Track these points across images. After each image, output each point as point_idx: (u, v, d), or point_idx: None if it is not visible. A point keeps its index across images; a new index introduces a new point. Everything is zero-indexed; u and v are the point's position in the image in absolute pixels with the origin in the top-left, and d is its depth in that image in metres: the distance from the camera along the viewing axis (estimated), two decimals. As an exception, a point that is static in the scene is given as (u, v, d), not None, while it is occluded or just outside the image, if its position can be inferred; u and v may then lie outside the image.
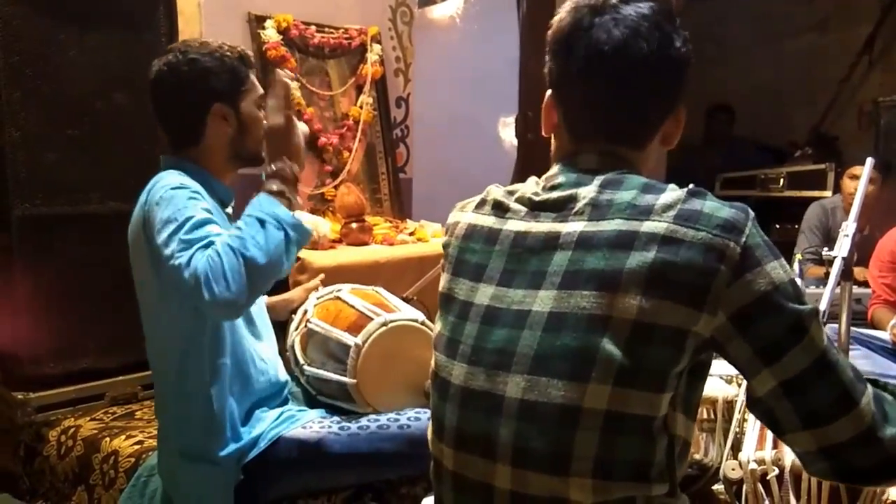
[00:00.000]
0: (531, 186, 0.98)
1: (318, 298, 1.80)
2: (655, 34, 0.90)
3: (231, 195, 1.63)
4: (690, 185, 0.88)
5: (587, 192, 0.90)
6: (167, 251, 1.29)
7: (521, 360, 0.87)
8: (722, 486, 1.54)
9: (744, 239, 0.82)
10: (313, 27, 3.09)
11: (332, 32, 3.15)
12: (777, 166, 4.43)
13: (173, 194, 1.37)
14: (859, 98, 4.55)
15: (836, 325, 1.86)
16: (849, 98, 4.63)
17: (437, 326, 1.01)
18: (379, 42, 3.29)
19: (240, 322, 1.51)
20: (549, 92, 1.00)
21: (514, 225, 0.95)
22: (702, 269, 0.81)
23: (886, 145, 3.14)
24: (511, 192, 0.99)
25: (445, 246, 1.04)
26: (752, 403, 0.89)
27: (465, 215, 1.02)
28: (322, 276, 2.03)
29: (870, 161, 2.00)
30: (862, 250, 3.07)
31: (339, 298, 1.76)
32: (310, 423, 1.57)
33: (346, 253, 2.68)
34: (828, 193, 3.90)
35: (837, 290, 1.76)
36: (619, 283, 0.82)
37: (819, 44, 4.81)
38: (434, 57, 3.68)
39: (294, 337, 1.75)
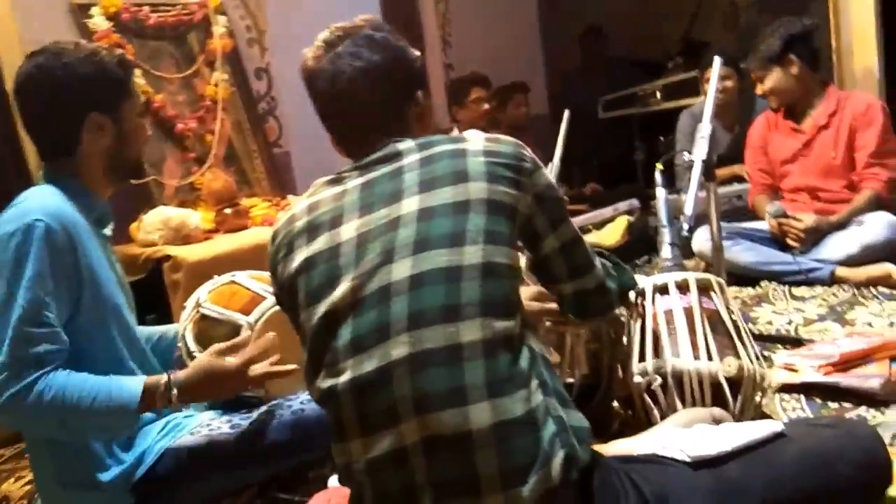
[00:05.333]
0: (347, 167, 1.16)
1: (212, 285, 1.71)
2: (363, 55, 1.16)
3: (109, 215, 1.51)
4: None
5: (406, 143, 1.13)
6: None
7: (404, 248, 1.01)
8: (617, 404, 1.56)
9: (529, 151, 1.16)
10: (147, 7, 2.87)
11: (168, 10, 2.94)
12: (653, 80, 4.48)
13: (14, 263, 1.26)
14: (721, 0, 4.63)
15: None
16: (711, 1, 4.71)
17: (300, 295, 1.08)
18: (224, 13, 3.09)
19: (115, 335, 1.40)
20: None
21: (356, 180, 1.12)
22: (514, 164, 1.11)
23: (747, 43, 3.20)
24: (336, 174, 1.15)
25: (286, 238, 1.13)
26: (538, 264, 1.21)
27: (300, 204, 1.15)
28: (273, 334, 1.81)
29: (717, 60, 2.02)
30: (738, 148, 3.17)
31: (234, 282, 1.69)
32: (198, 429, 1.48)
33: (224, 241, 2.55)
34: (702, 99, 3.98)
35: (703, 194, 1.78)
36: (467, 175, 1.06)
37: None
38: (294, 22, 3.50)
39: (185, 325, 1.65)
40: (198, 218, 2.55)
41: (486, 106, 3.66)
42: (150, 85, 2.83)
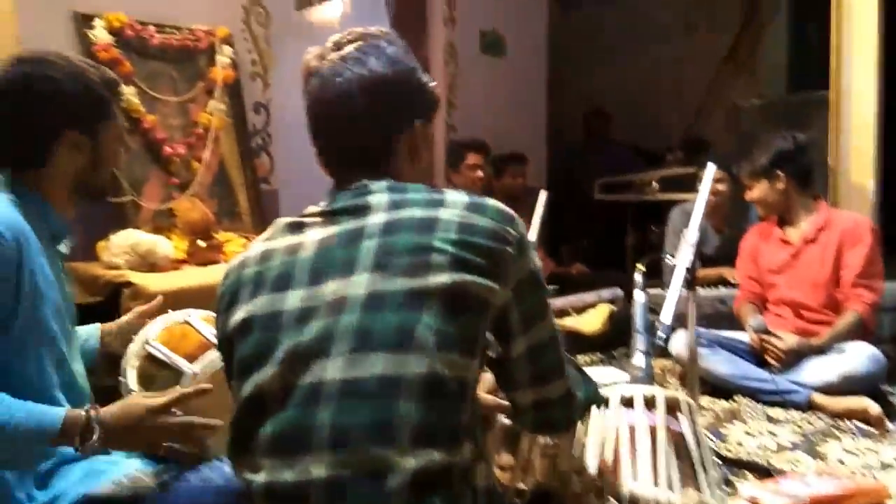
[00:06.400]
0: (314, 208, 1.04)
1: (165, 322, 1.61)
2: (360, 64, 1.03)
3: (66, 230, 1.44)
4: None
5: (379, 196, 0.99)
6: None
7: (342, 339, 0.89)
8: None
9: (518, 227, 1.00)
10: (152, 27, 2.83)
11: (174, 33, 2.91)
12: (651, 170, 4.50)
13: None
14: (725, 101, 4.70)
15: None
16: (716, 101, 4.78)
17: (234, 359, 0.98)
18: (231, 44, 3.06)
19: (44, 357, 1.30)
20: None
21: (315, 233, 0.99)
22: (493, 249, 0.95)
23: (746, 146, 3.21)
24: (300, 216, 1.04)
25: (233, 285, 1.02)
26: (500, 364, 1.04)
27: (255, 246, 1.04)
28: (160, 297, 1.78)
29: (711, 166, 2.00)
30: (726, 250, 3.14)
31: (187, 322, 1.59)
32: (122, 479, 1.35)
33: (192, 274, 2.45)
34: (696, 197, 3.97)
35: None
36: (429, 256, 0.91)
37: (688, 49, 4.94)
38: (301, 63, 3.47)
39: (130, 361, 1.54)
40: (168, 246, 2.45)
41: (481, 173, 3.61)
42: (144, 105, 2.77)
